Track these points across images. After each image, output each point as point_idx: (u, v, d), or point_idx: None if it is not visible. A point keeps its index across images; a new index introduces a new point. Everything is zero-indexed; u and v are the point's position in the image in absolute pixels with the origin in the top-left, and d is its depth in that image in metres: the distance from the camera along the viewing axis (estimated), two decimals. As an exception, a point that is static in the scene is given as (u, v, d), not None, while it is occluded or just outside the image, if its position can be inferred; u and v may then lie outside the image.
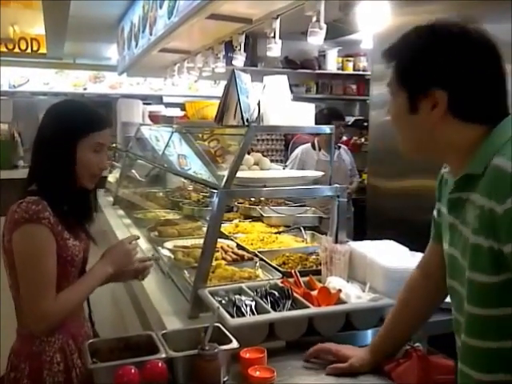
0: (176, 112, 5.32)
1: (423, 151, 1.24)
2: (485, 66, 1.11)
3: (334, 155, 4.17)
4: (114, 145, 5.93)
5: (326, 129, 2.31)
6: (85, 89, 9.15)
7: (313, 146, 4.54)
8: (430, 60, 1.12)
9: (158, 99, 8.66)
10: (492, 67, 1.13)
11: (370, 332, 1.81)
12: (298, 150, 4.65)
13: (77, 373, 1.63)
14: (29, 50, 7.87)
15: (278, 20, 2.95)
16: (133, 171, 4.48)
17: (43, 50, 7.83)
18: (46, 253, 1.56)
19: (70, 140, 1.65)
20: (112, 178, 5.19)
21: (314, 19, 2.47)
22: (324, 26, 2.49)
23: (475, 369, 1.14)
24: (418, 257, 2.00)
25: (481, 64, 1.11)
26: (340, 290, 1.84)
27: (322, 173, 2.42)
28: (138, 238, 1.98)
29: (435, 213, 1.43)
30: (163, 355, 1.40)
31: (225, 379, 1.43)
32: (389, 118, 1.28)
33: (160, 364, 1.35)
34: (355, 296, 1.85)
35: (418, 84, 1.14)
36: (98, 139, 1.69)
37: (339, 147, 4.70)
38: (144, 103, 5.65)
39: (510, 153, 1.03)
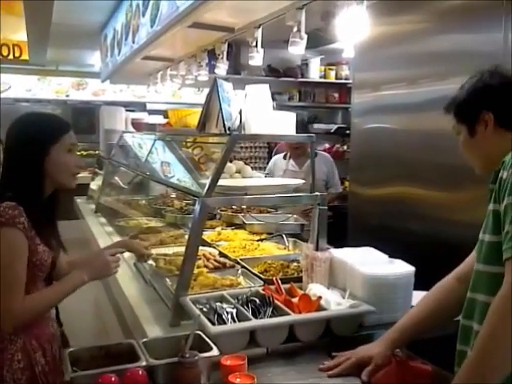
0: (159, 119, 5.32)
1: (489, 164, 1.49)
2: None
3: (304, 164, 4.07)
4: (96, 152, 5.91)
5: (307, 137, 2.34)
6: (67, 96, 9.10)
7: (285, 156, 4.39)
8: (471, 94, 1.51)
9: (142, 106, 8.64)
10: None
11: (351, 338, 1.83)
12: (271, 160, 4.61)
13: (39, 370, 1.70)
14: (11, 57, 7.79)
15: (260, 29, 2.98)
16: (115, 178, 4.47)
17: (25, 57, 7.76)
18: (19, 256, 1.64)
19: (41, 148, 1.74)
20: (94, 185, 5.17)
21: (295, 29, 2.50)
22: (305, 36, 2.52)
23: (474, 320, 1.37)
24: (396, 263, 2.05)
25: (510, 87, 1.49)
26: (320, 297, 1.87)
27: (303, 181, 2.45)
28: (123, 252, 2.05)
29: None
30: (144, 363, 1.41)
31: (205, 386, 1.44)
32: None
33: (140, 372, 1.36)
34: (335, 303, 1.88)
35: (469, 114, 1.51)
36: (68, 140, 1.80)
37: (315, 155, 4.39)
38: (127, 110, 5.63)
39: None
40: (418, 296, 1.81)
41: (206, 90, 2.40)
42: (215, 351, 1.49)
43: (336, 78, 6.27)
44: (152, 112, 6.66)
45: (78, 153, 1.95)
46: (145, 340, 1.57)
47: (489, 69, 1.53)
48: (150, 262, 2.50)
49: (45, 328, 1.78)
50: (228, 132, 2.17)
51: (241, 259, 2.47)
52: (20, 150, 1.75)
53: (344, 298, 1.93)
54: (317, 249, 2.19)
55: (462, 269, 1.61)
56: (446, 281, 1.65)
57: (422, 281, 1.85)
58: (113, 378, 1.31)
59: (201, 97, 8.25)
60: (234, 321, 1.76)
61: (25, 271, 1.65)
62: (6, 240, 1.62)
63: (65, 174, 1.80)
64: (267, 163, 6.22)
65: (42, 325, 1.77)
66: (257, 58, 3.02)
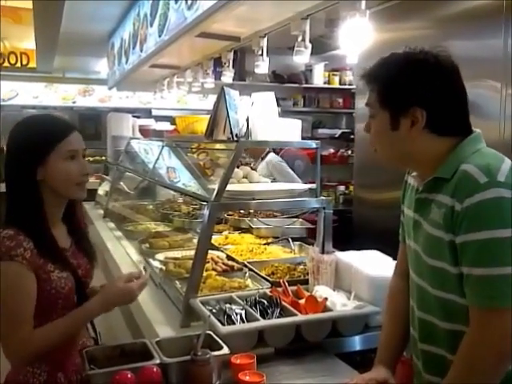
0: (166, 126, 5.38)
1: (400, 162, 1.40)
2: (453, 87, 1.29)
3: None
4: (102, 158, 5.98)
5: (312, 144, 2.40)
6: (74, 102, 9.17)
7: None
8: (409, 82, 1.28)
9: (147, 112, 8.71)
10: (458, 88, 1.30)
11: (356, 338, 1.89)
12: None
13: None
14: (18, 65, 7.90)
15: (266, 38, 3.04)
16: (123, 184, 4.53)
17: (33, 64, 7.87)
18: (17, 290, 1.49)
19: (34, 160, 1.56)
20: (102, 190, 5.24)
21: (300, 39, 2.56)
22: (309, 46, 2.57)
23: (441, 347, 1.33)
24: (400, 265, 2.10)
25: (451, 85, 1.29)
26: (326, 299, 1.92)
27: (309, 186, 2.50)
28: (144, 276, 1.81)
29: (401, 215, 1.54)
30: (158, 361, 1.47)
31: (216, 384, 1.49)
32: (368, 134, 1.40)
33: (155, 369, 1.41)
34: (341, 304, 1.93)
35: (400, 104, 1.29)
36: (67, 147, 1.58)
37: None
38: (133, 116, 5.70)
39: (477, 161, 1.22)
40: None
41: (211, 96, 2.47)
42: (226, 350, 1.54)
43: (340, 84, 6.33)
44: (158, 118, 6.72)
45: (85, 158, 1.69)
46: (158, 339, 1.63)
47: (436, 54, 1.28)
48: (160, 265, 2.56)
49: (74, 358, 1.61)
50: (236, 139, 2.23)
51: (248, 262, 2.51)
52: (14, 163, 1.58)
53: (349, 299, 1.98)
54: (323, 252, 2.24)
55: (401, 264, 1.56)
56: (393, 288, 1.59)
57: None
58: (129, 375, 1.37)
59: (206, 103, 8.31)
60: (243, 321, 1.82)
61: (28, 304, 1.50)
62: (2, 275, 1.48)
63: (66, 185, 1.59)
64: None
65: (69, 355, 1.63)
66: (262, 66, 3.08)
